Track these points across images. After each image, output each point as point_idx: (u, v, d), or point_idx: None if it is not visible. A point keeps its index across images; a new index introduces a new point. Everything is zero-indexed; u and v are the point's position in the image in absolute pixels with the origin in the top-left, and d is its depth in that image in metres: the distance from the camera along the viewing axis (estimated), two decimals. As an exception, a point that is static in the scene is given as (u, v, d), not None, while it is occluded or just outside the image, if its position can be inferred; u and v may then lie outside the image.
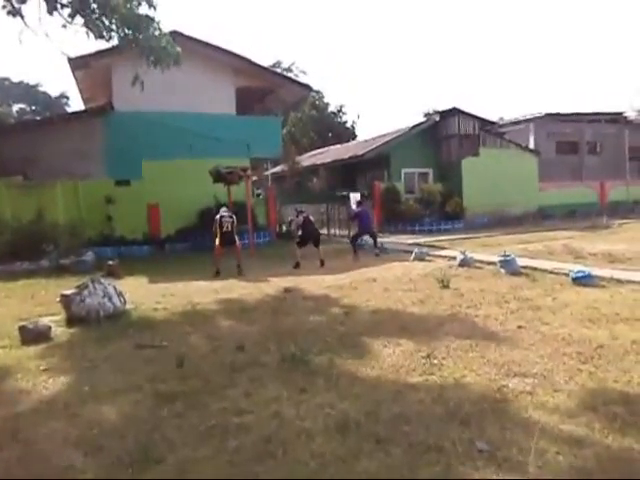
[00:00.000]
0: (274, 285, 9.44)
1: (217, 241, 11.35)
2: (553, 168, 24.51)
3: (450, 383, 4.23)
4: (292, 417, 3.66)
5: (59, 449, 3.35)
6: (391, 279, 9.47)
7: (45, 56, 79.42)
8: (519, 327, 5.79)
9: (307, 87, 18.40)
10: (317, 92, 40.59)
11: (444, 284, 8.31)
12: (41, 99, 49.47)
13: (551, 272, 9.25)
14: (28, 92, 49.65)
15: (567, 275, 8.62)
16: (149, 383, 4.50)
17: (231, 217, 11.41)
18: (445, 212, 20.89)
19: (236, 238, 11.50)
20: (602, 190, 26.16)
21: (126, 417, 3.82)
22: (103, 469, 3.06)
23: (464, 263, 10.35)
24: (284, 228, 20.40)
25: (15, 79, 50.46)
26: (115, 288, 7.23)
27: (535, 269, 9.64)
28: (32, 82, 50.97)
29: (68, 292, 6.89)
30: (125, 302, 7.37)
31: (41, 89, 51.07)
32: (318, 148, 32.80)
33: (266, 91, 19.14)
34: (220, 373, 4.67)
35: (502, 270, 9.37)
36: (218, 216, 11.46)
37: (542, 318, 6.08)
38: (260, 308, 7.44)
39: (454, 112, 21.80)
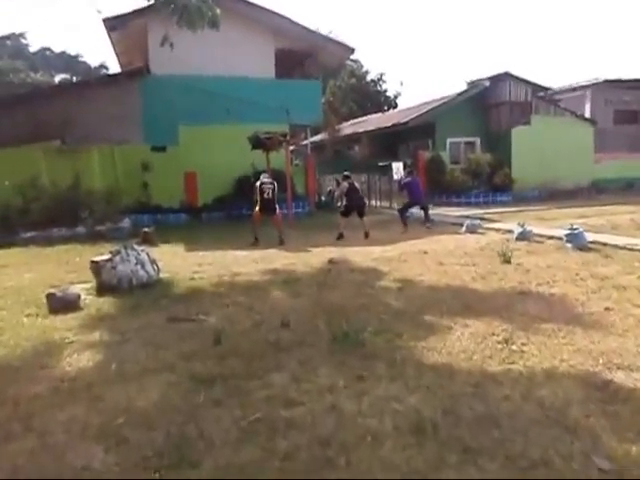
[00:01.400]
0: (317, 256, 8.80)
1: (257, 207, 10.77)
2: (610, 138, 22.91)
3: (539, 375, 3.52)
4: (352, 413, 3.03)
5: (76, 442, 2.81)
6: (444, 252, 8.71)
7: (85, 28, 79.58)
8: (606, 309, 4.99)
9: (349, 48, 17.41)
10: (355, 61, 39.21)
11: (505, 259, 7.50)
12: (82, 69, 49.58)
13: (624, 248, 8.31)
14: (69, 62, 49.92)
15: (646, 251, 7.74)
16: (183, 362, 3.95)
17: (272, 184, 10.78)
18: (493, 184, 19.77)
19: (277, 207, 10.89)
20: (662, 163, 24.40)
21: (156, 403, 3.27)
22: (125, 472, 2.50)
23: (523, 237, 9.48)
24: (323, 199, 19.74)
25: (57, 50, 50.87)
26: (149, 255, 6.72)
27: (604, 244, 8.72)
28: (73, 53, 51.31)
29: (99, 258, 6.42)
30: (159, 270, 6.87)
31: (82, 59, 51.33)
32: (357, 118, 31.72)
33: (306, 54, 18.21)
34: (263, 353, 4.07)
35: (568, 245, 8.48)
36: (258, 183, 10.85)
37: (632, 300, 5.25)
38: (304, 280, 6.82)
39: (505, 77, 20.47)
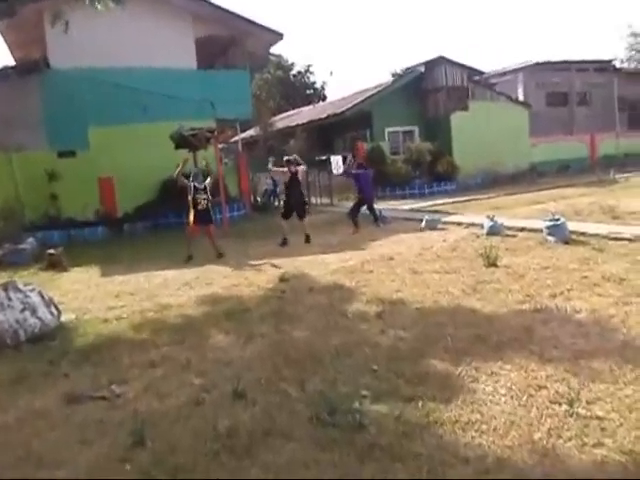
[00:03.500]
0: (264, 271, 7.32)
1: (191, 217, 9.09)
2: (543, 121, 22.74)
3: (656, 472, 2.26)
4: None
5: None
6: (412, 256, 7.47)
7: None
8: (659, 329, 3.87)
9: (277, 34, 15.90)
10: (278, 56, 37.66)
11: (490, 261, 6.35)
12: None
13: (609, 237, 7.40)
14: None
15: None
16: (81, 495, 2.41)
17: (205, 191, 9.11)
18: (436, 173, 18.90)
19: (212, 216, 9.31)
20: (592, 143, 24.67)
21: None
22: None
23: (494, 231, 8.42)
24: (259, 199, 18.17)
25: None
26: (42, 295, 4.99)
27: (584, 234, 7.79)
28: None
29: (-32, 307, 4.64)
30: (59, 313, 5.15)
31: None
32: (286, 112, 30.22)
33: (230, 41, 16.50)
34: (213, 462, 2.59)
35: (550, 238, 7.47)
36: (191, 184, 9.12)
37: (681, 311, 4.18)
38: (254, 309, 5.32)
39: (440, 61, 19.62)
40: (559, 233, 7.36)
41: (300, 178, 9.96)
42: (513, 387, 3.13)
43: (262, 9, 71.47)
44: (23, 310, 4.68)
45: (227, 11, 14.93)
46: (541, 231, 8.02)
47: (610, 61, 25.91)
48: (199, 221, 9.00)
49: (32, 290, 4.90)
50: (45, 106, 13.90)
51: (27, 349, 4.50)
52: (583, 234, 7.81)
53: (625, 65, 33.34)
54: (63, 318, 5.24)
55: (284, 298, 5.73)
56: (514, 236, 8.31)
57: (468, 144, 19.75)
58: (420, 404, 3.00)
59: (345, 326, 4.56)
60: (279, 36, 16.10)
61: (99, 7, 7.84)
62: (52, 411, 3.34)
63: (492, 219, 8.59)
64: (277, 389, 3.36)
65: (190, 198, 9.00)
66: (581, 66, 24.43)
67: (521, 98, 22.75)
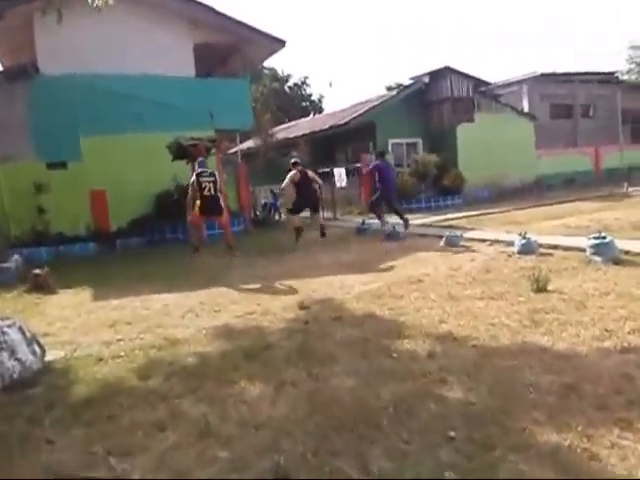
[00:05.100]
0: (278, 295, 6.51)
1: (196, 207, 8.35)
2: (547, 133, 22.26)
3: None
4: None
5: None
6: (441, 278, 6.69)
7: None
8: None
9: (279, 41, 15.23)
10: (270, 69, 37.35)
11: (539, 285, 5.58)
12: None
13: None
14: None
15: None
16: None
17: (212, 175, 8.35)
18: (441, 186, 18.26)
19: (222, 205, 8.53)
20: (597, 156, 24.21)
21: None
22: None
23: (527, 250, 7.67)
24: (258, 213, 17.37)
25: None
26: (23, 330, 4.14)
27: (628, 252, 7.06)
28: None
29: None
30: (43, 352, 4.30)
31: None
32: (282, 124, 29.57)
33: (230, 49, 15.83)
34: None
35: (596, 258, 6.72)
36: (194, 176, 8.37)
37: None
38: (276, 347, 4.49)
39: (445, 72, 19.07)
40: (607, 252, 6.61)
41: (311, 175, 9.43)
42: (653, 471, 2.34)
43: (257, 21, 71.16)
44: (0, 350, 3.83)
45: (228, 17, 14.26)
46: (579, 249, 7.33)
47: (613, 73, 25.54)
48: (206, 211, 8.20)
49: (11, 325, 4.05)
50: (33, 114, 13.07)
51: (2, 400, 3.65)
52: (627, 252, 7.10)
53: (626, 78, 33.06)
54: (49, 357, 4.39)
55: (308, 331, 4.91)
56: (550, 255, 7.56)
57: (474, 156, 19.18)
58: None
59: (393, 370, 3.75)
60: (281, 44, 15.43)
61: (97, 2, 7.06)
62: (30, 501, 2.50)
63: (524, 236, 7.84)
64: (331, 468, 2.54)
65: (194, 182, 8.26)
66: (584, 78, 24.07)
67: (526, 110, 22.25)
